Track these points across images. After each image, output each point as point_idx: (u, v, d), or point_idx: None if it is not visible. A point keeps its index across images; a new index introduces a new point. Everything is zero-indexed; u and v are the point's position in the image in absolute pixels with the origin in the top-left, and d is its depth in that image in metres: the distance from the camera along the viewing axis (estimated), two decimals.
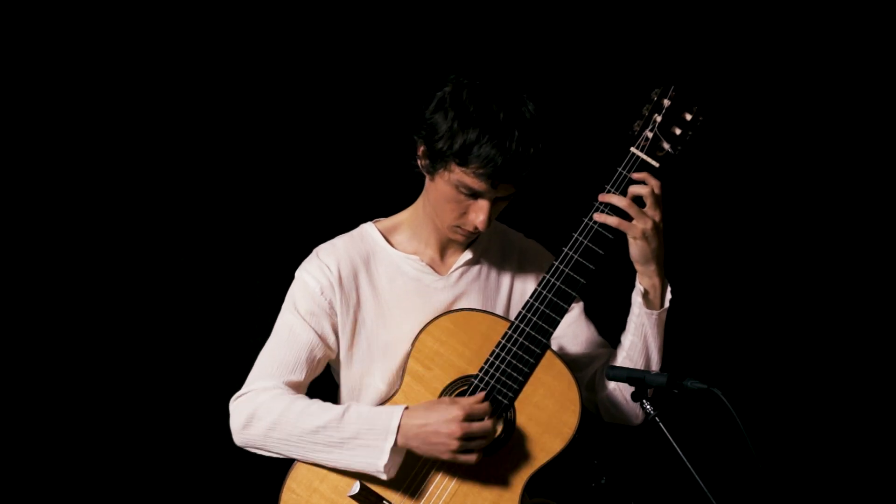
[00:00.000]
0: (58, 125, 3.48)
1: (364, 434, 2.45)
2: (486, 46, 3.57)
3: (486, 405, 2.45)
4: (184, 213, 3.57)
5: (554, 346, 2.69)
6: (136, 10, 3.48)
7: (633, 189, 2.49)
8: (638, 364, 2.60)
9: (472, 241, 2.68)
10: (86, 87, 3.48)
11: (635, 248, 2.52)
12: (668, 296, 2.58)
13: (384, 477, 2.46)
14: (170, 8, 3.50)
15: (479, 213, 2.49)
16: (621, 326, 2.64)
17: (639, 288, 2.57)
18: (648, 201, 2.49)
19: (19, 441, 3.48)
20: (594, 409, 2.71)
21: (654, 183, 2.49)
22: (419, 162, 2.54)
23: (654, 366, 2.61)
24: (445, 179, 2.47)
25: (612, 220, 2.49)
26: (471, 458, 2.44)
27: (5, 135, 3.45)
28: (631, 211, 2.49)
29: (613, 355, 2.66)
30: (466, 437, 2.41)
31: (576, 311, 2.73)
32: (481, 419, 2.44)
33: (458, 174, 2.44)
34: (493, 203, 2.49)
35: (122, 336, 3.55)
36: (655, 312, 2.56)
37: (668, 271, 2.58)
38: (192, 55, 3.53)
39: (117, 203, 3.53)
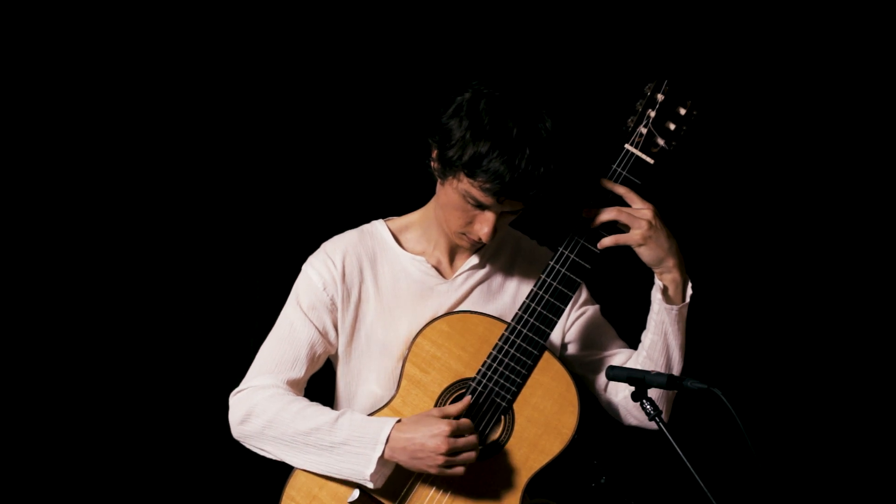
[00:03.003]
0: (58, 125, 3.47)
1: (353, 441, 2.46)
2: (480, 41, 3.58)
3: (469, 422, 2.45)
4: (192, 209, 3.57)
5: (572, 349, 2.69)
6: (139, 10, 3.48)
7: (614, 188, 2.50)
8: (659, 364, 2.58)
9: (481, 246, 2.67)
10: (86, 87, 3.48)
11: (645, 254, 2.52)
12: (689, 291, 2.57)
13: (371, 486, 2.46)
14: (172, 7, 3.50)
15: (483, 225, 2.48)
16: (637, 331, 2.64)
17: (658, 285, 2.55)
18: (630, 197, 2.49)
19: (19, 440, 3.47)
20: (615, 414, 2.70)
21: (621, 189, 2.50)
22: (432, 164, 2.53)
23: (676, 365, 2.59)
24: (454, 187, 2.46)
25: (610, 241, 2.50)
26: (457, 471, 2.44)
27: (5, 135, 3.45)
28: (622, 218, 2.50)
29: (633, 356, 2.64)
30: (452, 453, 2.41)
31: (594, 314, 2.72)
32: (469, 433, 2.44)
33: (466, 185, 2.43)
34: (500, 216, 2.48)
35: (122, 334, 3.54)
36: (675, 307, 2.55)
37: None
38: (197, 51, 3.53)
39: (118, 202, 3.53)
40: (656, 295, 2.56)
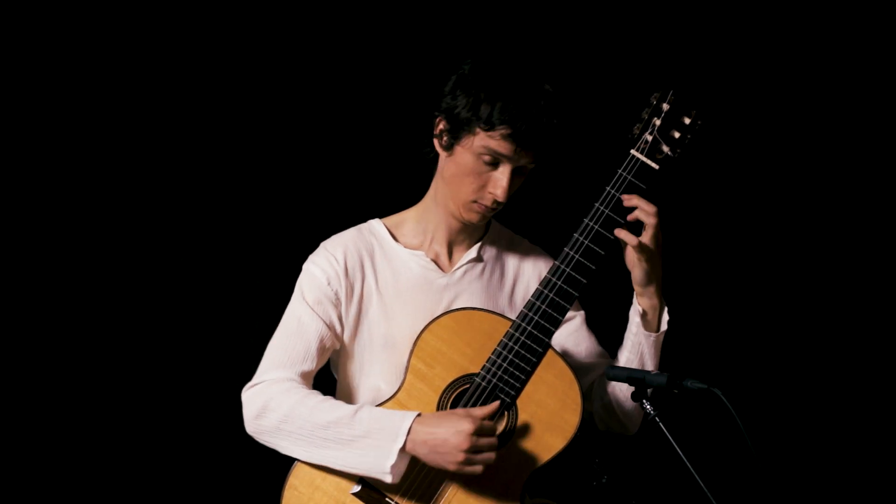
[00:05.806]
0: (58, 125, 3.48)
1: (374, 433, 2.45)
2: (488, 47, 3.57)
3: (492, 423, 2.46)
4: (192, 210, 3.58)
5: None
6: (136, 10, 3.48)
7: (635, 214, 2.51)
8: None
9: (480, 237, 2.71)
10: (86, 87, 3.48)
11: (638, 269, 2.53)
12: (666, 317, 2.59)
13: (389, 479, 2.45)
14: (170, 7, 3.51)
15: (500, 180, 2.52)
16: (620, 339, 2.66)
17: (637, 308, 2.58)
18: (649, 221, 2.50)
19: (22, 439, 3.49)
20: (588, 417, 2.71)
21: (649, 208, 2.50)
22: (436, 141, 2.59)
23: None
24: (468, 148, 2.52)
25: (624, 234, 2.50)
26: (476, 469, 2.44)
27: (5, 135, 3.45)
28: (640, 210, 2.50)
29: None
30: (473, 451, 2.42)
31: (577, 321, 2.74)
32: (491, 434, 2.45)
33: (484, 139, 2.49)
34: (512, 177, 2.52)
35: (122, 334, 3.55)
36: (653, 335, 2.58)
37: (666, 273, 2.59)
38: (193, 51, 3.53)
39: (119, 203, 3.54)
40: (635, 318, 2.59)
